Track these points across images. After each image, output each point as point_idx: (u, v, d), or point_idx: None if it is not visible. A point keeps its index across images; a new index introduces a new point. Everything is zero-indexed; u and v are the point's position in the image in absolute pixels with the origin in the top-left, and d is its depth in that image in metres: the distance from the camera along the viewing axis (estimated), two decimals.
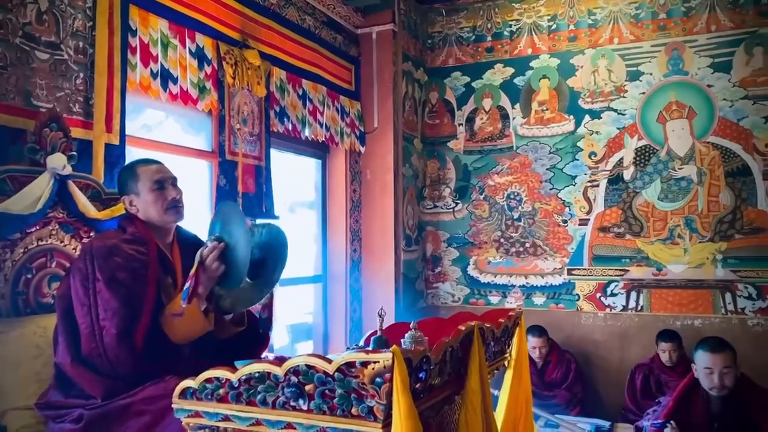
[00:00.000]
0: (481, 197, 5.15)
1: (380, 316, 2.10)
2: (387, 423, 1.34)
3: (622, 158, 4.74)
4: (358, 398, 1.40)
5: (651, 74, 4.67)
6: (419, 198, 5.28)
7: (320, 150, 4.66)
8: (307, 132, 4.19)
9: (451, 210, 5.25)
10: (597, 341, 4.73)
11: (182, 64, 3.09)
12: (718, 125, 4.49)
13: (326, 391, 1.43)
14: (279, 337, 4.40)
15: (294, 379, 1.45)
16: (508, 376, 2.19)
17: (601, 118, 4.79)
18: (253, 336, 2.22)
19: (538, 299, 4.95)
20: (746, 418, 2.74)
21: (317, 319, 4.66)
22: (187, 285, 1.87)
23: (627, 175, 4.72)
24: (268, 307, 2.34)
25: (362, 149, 4.77)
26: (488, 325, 1.89)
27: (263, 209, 3.71)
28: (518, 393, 2.16)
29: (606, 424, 4.04)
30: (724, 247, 4.44)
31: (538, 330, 4.54)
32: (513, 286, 5.03)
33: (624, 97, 4.73)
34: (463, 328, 1.70)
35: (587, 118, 4.84)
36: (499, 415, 2.13)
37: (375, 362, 1.34)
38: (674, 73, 4.61)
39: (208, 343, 2.05)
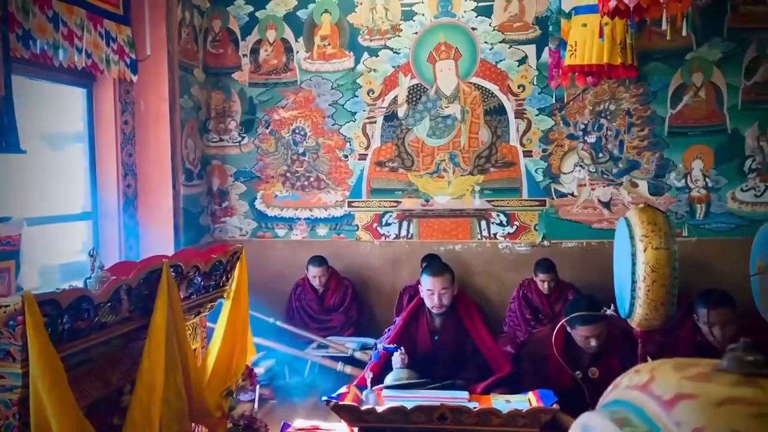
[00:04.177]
0: (267, 131, 5.17)
1: (91, 255, 2.08)
2: (26, 363, 1.37)
3: (396, 96, 4.99)
4: None
5: (423, 15, 4.91)
6: (203, 131, 5.16)
7: (84, 78, 4.31)
8: (61, 58, 3.84)
9: (238, 144, 5.21)
10: (373, 267, 5.10)
11: None
12: (479, 67, 4.88)
13: None
14: (47, 278, 4.16)
15: None
16: (226, 306, 2.31)
17: (379, 56, 4.98)
18: None
19: (322, 230, 5.17)
20: (459, 327, 3.18)
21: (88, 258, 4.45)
22: None
23: (401, 112, 5.00)
24: None
25: (134, 78, 4.50)
26: (184, 263, 1.96)
27: (3, 143, 3.39)
28: (236, 321, 2.29)
29: (372, 341, 4.44)
30: (481, 179, 4.94)
31: (318, 260, 4.78)
32: (299, 218, 5.19)
33: (399, 36, 4.94)
34: (145, 267, 1.75)
35: (366, 55, 4.99)
36: (217, 340, 2.25)
37: (6, 306, 1.34)
38: (444, 14, 4.89)
39: None
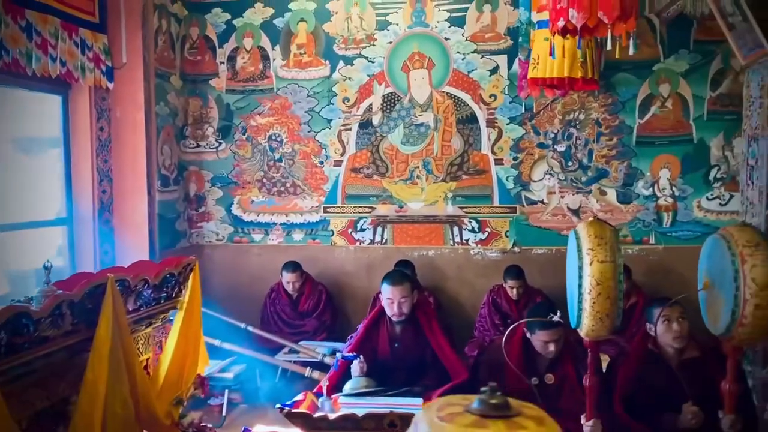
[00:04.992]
0: (244, 137, 5.24)
1: (46, 268, 2.15)
2: None
3: (371, 104, 5.07)
4: None
5: (397, 25, 4.98)
6: (180, 137, 5.22)
7: (59, 86, 4.37)
8: (34, 66, 3.90)
9: (215, 150, 5.28)
10: (348, 272, 5.17)
11: None
12: (452, 76, 4.96)
13: None
14: (19, 284, 4.21)
15: None
16: (179, 317, 2.38)
17: (354, 64, 5.05)
18: None
19: (298, 236, 5.24)
20: (419, 335, 3.26)
21: (65, 263, 4.52)
22: None
23: (375, 120, 5.07)
24: None
25: (110, 85, 4.56)
26: (132, 276, 2.03)
27: None
28: (188, 331, 2.36)
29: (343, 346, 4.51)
30: (453, 186, 5.02)
31: (292, 265, 4.85)
32: (275, 223, 5.26)
33: (374, 45, 5.02)
34: (89, 283, 1.82)
35: (341, 63, 5.06)
36: (169, 350, 2.32)
37: None
38: (417, 25, 4.97)
39: None
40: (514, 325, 3.01)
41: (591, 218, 2.89)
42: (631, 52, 2.69)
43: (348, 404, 2.79)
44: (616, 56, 2.97)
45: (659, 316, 2.97)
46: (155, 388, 2.18)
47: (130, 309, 2.03)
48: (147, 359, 2.25)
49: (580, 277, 2.64)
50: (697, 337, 3.02)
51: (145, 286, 2.06)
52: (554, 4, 2.60)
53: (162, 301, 2.21)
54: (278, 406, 2.58)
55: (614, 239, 2.68)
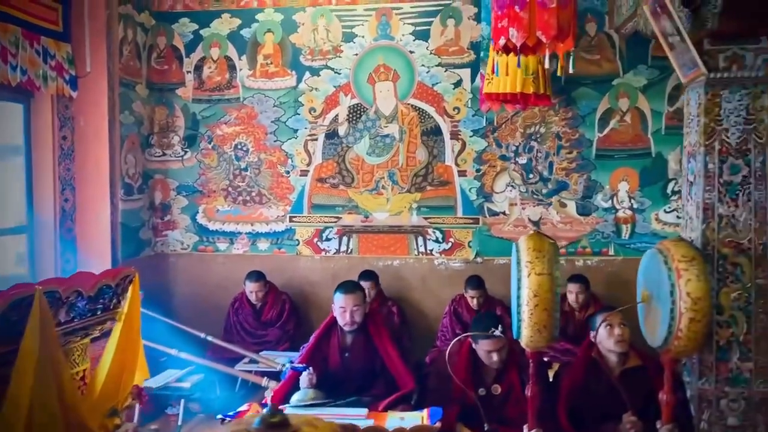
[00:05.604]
0: (210, 146, 5.26)
1: None
2: None
3: (337, 115, 5.11)
4: None
5: (363, 37, 5.03)
6: (146, 145, 5.23)
7: (21, 94, 4.37)
8: None
9: (181, 158, 5.29)
10: (313, 282, 5.19)
11: None
12: (417, 89, 5.02)
13: None
14: None
15: None
16: (117, 328, 2.39)
17: (320, 75, 5.09)
18: None
19: (263, 245, 5.26)
20: (369, 345, 3.30)
21: (25, 272, 4.50)
22: None
23: (341, 130, 5.11)
24: None
25: (74, 94, 4.57)
26: (64, 288, 2.05)
27: None
28: (127, 342, 2.38)
29: None
30: (418, 197, 5.07)
31: (255, 275, 4.86)
32: (240, 233, 5.28)
33: (340, 57, 5.06)
34: (12, 296, 1.83)
35: (308, 74, 5.11)
36: (106, 361, 2.33)
37: None
38: (383, 37, 5.02)
39: None
40: (459, 337, 3.05)
41: (532, 231, 2.94)
42: (570, 70, 2.75)
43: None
44: (570, 72, 3.03)
45: (601, 322, 3.03)
46: (91, 398, 2.19)
47: (62, 320, 2.04)
48: (84, 370, 2.26)
49: (519, 288, 2.70)
50: (639, 347, 3.08)
51: (79, 298, 2.08)
52: (495, 23, 2.66)
53: (99, 313, 2.22)
54: (219, 416, 2.60)
55: (552, 252, 2.74)
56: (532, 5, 2.54)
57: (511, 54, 2.86)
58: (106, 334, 2.37)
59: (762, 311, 2.83)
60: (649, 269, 2.86)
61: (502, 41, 2.64)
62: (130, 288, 2.37)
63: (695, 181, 3.04)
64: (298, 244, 5.21)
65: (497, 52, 2.79)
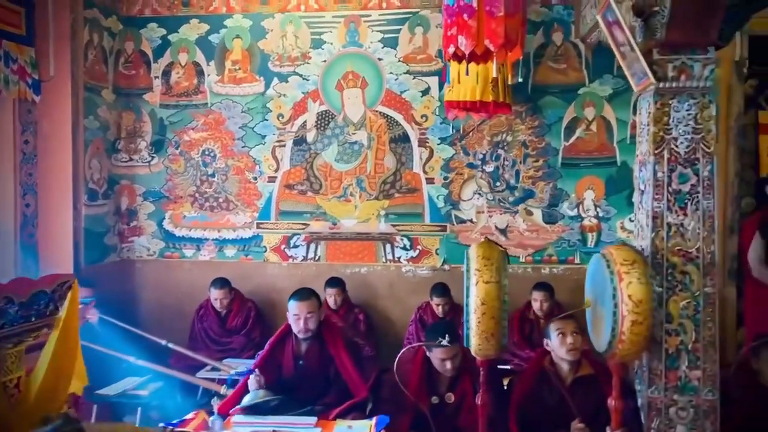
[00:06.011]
0: (177, 152, 5.23)
1: None
2: None
3: (305, 121, 5.10)
4: None
5: (332, 44, 5.04)
6: (112, 151, 5.19)
7: None
8: None
9: (147, 164, 5.25)
10: (280, 289, 5.13)
11: None
12: (385, 96, 5.02)
13: None
14: None
15: None
16: (53, 335, 2.36)
17: (288, 81, 5.09)
18: None
19: (230, 251, 5.22)
20: (323, 352, 3.27)
21: None
22: None
23: (310, 137, 5.10)
24: None
25: (36, 98, 4.53)
26: None
27: None
28: (63, 350, 2.34)
29: None
30: (386, 204, 5.06)
31: (220, 282, 4.82)
32: (207, 239, 5.24)
33: (308, 63, 5.06)
34: None
35: (276, 80, 5.10)
36: (41, 368, 2.29)
37: None
38: (351, 44, 5.03)
39: None
40: (410, 346, 3.04)
41: (483, 239, 2.94)
42: (520, 79, 2.76)
43: (241, 423, 2.78)
44: (514, 81, 3.04)
45: (554, 330, 3.04)
46: (24, 406, 2.15)
47: None
48: (18, 377, 2.22)
49: (467, 296, 2.69)
50: (591, 356, 3.08)
51: (10, 304, 2.05)
52: (446, 31, 2.67)
53: (33, 319, 2.19)
54: (161, 425, 2.56)
55: (501, 260, 2.74)
56: (481, 14, 2.55)
57: (463, 62, 2.88)
58: (43, 343, 2.33)
59: (710, 319, 2.84)
60: (594, 274, 2.87)
61: (451, 49, 2.66)
62: (69, 294, 2.34)
63: (645, 190, 3.06)
64: (265, 251, 5.19)
65: (448, 60, 2.80)
